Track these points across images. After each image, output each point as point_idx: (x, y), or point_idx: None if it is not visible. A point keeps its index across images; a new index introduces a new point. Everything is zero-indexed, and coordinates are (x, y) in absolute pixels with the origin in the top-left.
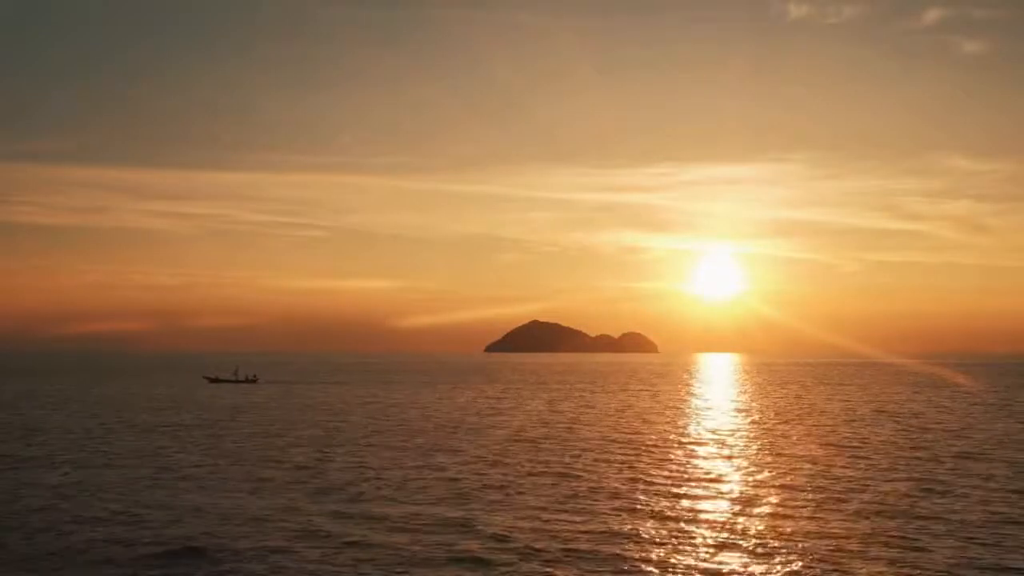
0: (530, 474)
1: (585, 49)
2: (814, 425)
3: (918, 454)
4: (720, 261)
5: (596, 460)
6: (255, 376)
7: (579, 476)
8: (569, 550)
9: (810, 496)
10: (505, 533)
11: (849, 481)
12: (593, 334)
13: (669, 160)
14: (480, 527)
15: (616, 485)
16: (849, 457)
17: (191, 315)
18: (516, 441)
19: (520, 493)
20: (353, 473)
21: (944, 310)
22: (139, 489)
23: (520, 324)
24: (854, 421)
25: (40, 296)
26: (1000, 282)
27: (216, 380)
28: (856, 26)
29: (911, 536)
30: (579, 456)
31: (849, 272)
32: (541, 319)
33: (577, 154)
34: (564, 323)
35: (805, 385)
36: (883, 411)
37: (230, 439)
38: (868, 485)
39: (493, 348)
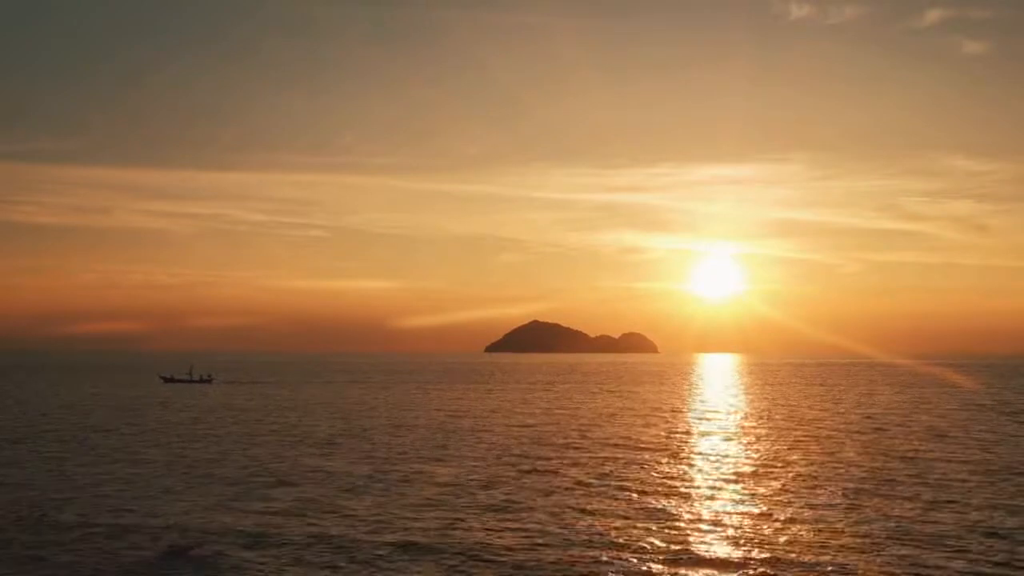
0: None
1: (585, 49)
2: (789, 427)
3: (883, 455)
4: (720, 261)
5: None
6: (210, 376)
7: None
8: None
9: (748, 496)
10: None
11: (794, 478)
12: (593, 334)
13: (669, 160)
14: (458, 531)
15: (544, 487)
16: (805, 457)
17: (191, 315)
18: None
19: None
20: (312, 474)
21: (944, 310)
22: (120, 490)
23: (520, 324)
24: (830, 422)
25: (40, 296)
26: (1000, 282)
27: (171, 380)
28: (857, 26)
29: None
30: (532, 456)
31: (849, 272)
32: (541, 319)
33: (577, 154)
34: (564, 323)
35: (797, 386)
36: (863, 412)
37: (189, 440)
38: (816, 482)
39: (493, 348)
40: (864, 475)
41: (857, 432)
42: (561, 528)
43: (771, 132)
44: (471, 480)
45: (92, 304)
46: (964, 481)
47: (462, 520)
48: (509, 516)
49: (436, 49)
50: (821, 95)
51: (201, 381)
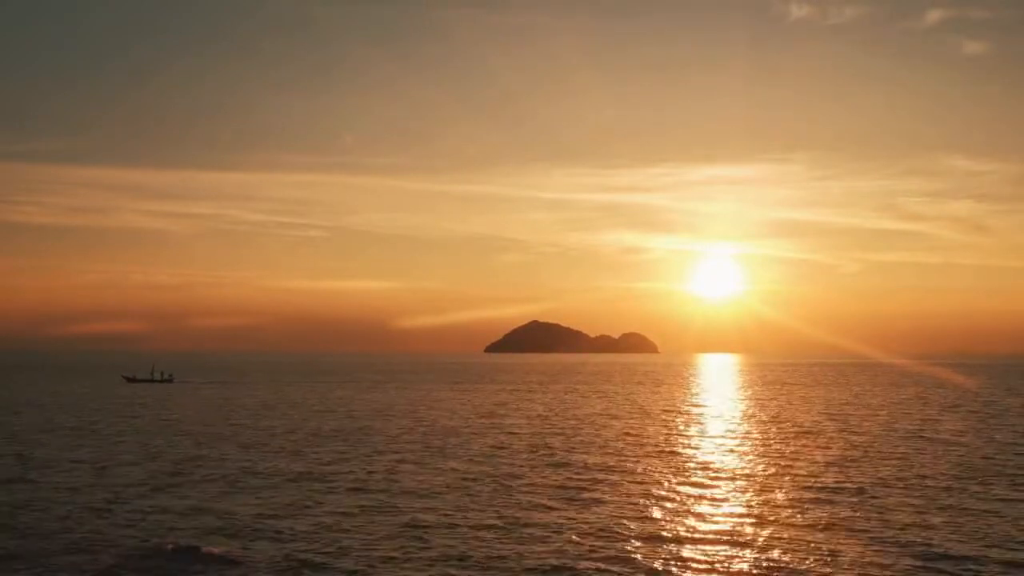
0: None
1: (585, 49)
2: (776, 429)
3: (864, 457)
4: (720, 261)
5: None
6: (171, 376)
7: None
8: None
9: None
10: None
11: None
12: (593, 334)
13: (669, 160)
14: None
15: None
16: (786, 459)
17: (191, 315)
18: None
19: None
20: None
21: (944, 310)
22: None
23: (520, 324)
24: (817, 423)
25: (40, 296)
26: (1000, 282)
27: (134, 380)
28: (857, 27)
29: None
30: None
31: (849, 272)
32: (541, 319)
33: (577, 154)
34: (564, 323)
35: (793, 387)
36: (853, 413)
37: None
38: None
39: (493, 348)
40: (841, 476)
41: (844, 433)
42: (537, 534)
43: (771, 132)
44: (444, 486)
45: (92, 304)
46: (939, 482)
47: (437, 526)
48: (484, 523)
49: (436, 49)
50: (821, 95)
51: (162, 381)
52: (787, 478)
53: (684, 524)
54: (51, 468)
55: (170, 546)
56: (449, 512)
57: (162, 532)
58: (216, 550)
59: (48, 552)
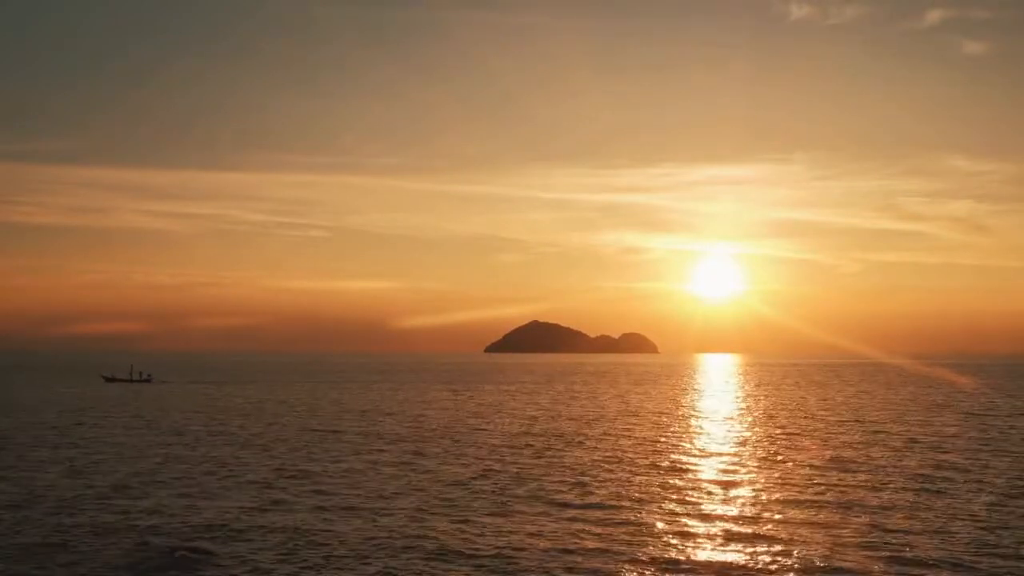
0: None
1: (585, 49)
2: (767, 430)
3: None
4: (720, 261)
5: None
6: (149, 375)
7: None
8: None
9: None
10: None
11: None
12: (593, 334)
13: (669, 161)
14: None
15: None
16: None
17: (191, 315)
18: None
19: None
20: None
21: (944, 310)
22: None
23: (520, 324)
24: (811, 423)
25: (40, 296)
26: (1000, 282)
27: (112, 379)
28: (857, 27)
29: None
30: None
31: (849, 272)
32: (541, 319)
33: (577, 154)
34: (564, 323)
35: (787, 386)
36: (848, 414)
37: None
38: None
39: (493, 348)
40: (836, 478)
41: (841, 434)
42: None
43: (771, 132)
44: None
45: (92, 304)
46: (934, 484)
47: (427, 522)
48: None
49: (436, 49)
50: (821, 95)
51: (141, 380)
52: (780, 479)
53: (670, 526)
54: (32, 470)
55: (155, 548)
56: (439, 514)
57: (150, 533)
58: (197, 550)
59: (34, 557)
